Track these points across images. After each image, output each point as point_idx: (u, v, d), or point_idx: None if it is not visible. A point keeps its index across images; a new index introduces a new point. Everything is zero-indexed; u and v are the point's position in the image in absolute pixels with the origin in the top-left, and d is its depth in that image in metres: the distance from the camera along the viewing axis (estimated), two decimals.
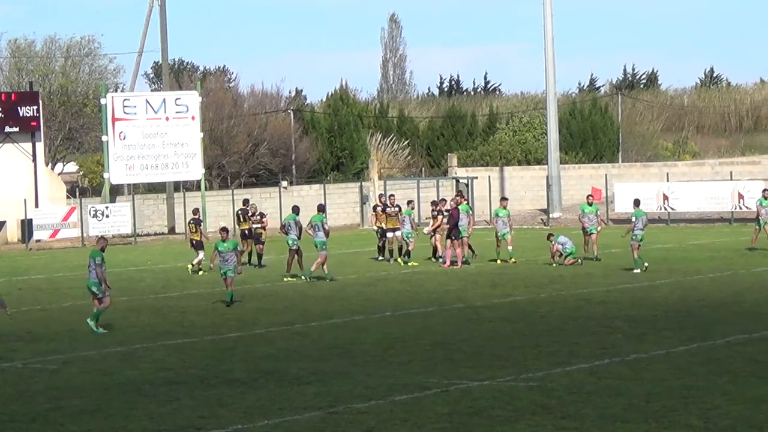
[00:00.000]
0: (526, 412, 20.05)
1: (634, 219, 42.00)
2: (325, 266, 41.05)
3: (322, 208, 43.62)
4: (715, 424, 18.80)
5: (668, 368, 23.51)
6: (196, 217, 46.94)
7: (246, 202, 49.27)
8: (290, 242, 42.04)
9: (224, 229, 36.41)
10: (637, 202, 43.92)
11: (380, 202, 48.63)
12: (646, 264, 40.75)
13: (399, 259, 46.02)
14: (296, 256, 41.90)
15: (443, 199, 51.28)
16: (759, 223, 48.52)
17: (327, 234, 41.42)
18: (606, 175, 69.38)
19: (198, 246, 45.09)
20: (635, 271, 40.48)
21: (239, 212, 48.25)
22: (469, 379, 22.90)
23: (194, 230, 45.71)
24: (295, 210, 43.21)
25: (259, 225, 47.15)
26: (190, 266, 44.44)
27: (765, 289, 35.72)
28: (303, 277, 40.96)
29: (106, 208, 63.16)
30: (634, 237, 41.18)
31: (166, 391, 22.69)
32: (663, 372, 23.14)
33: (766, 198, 49.09)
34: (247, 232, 47.05)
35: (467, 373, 23.44)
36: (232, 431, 19.35)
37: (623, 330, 28.53)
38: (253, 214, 47.30)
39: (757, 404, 20.10)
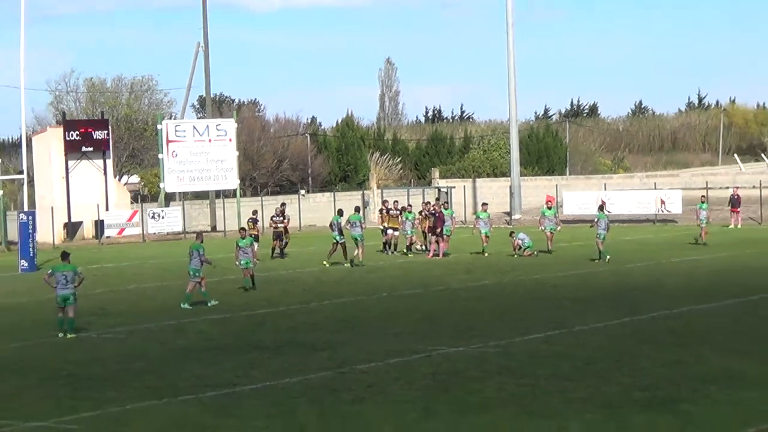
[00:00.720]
0: (494, 372, 20.13)
1: (596, 220, 41.34)
2: (361, 255, 41.44)
3: (358, 209, 43.70)
4: (642, 381, 18.90)
5: (605, 338, 23.58)
6: (254, 216, 46.79)
7: (283, 205, 49.32)
8: (336, 237, 42.27)
9: (243, 229, 36.32)
10: (601, 207, 42.96)
11: (384, 206, 48.37)
12: (608, 257, 40.12)
13: (408, 254, 45.59)
14: (341, 248, 42.03)
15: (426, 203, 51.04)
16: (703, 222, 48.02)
17: (362, 229, 41.81)
18: (557, 185, 69.27)
19: (255, 239, 45.07)
20: (595, 260, 40.07)
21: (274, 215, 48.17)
22: (448, 346, 22.95)
23: (252, 227, 45.61)
24: (339, 212, 43.57)
25: (282, 224, 47.06)
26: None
27: (681, 276, 35.71)
28: (355, 265, 41.00)
29: (162, 211, 63.16)
30: (598, 235, 40.62)
31: (210, 356, 22.77)
32: (601, 341, 23.21)
33: (703, 203, 48.84)
34: (281, 238, 46.89)
35: (447, 342, 23.48)
36: (261, 387, 19.43)
37: (570, 307, 28.58)
38: (278, 215, 47.22)
39: (675, 366, 20.19)
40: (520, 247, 43.97)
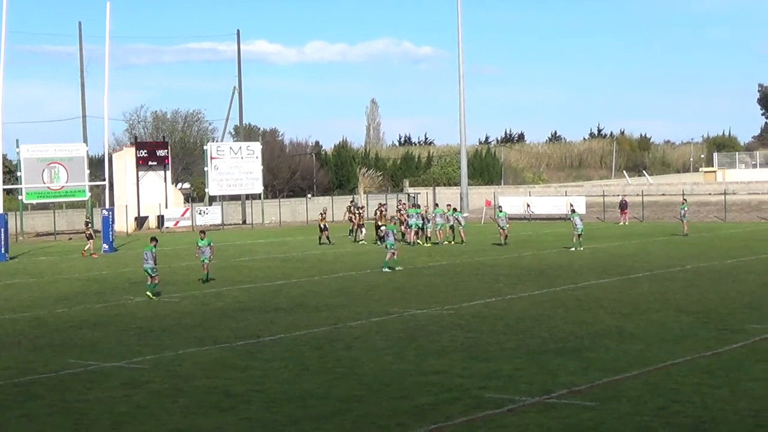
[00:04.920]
0: (448, 327, 20.10)
1: (572, 219, 39.15)
2: (414, 236, 42.69)
3: (414, 206, 44.65)
4: (556, 335, 18.89)
5: (529, 304, 23.57)
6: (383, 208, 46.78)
7: (352, 202, 49.99)
8: (412, 225, 42.94)
9: (202, 231, 32.08)
10: (573, 210, 40.98)
11: (378, 209, 47.40)
12: (581, 248, 38.36)
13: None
14: (419, 232, 42.80)
15: (404, 203, 50.82)
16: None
17: (419, 219, 43.03)
18: (494, 192, 69.33)
19: (324, 229, 44.78)
20: (571, 249, 38.35)
21: (348, 208, 48.53)
22: (415, 309, 22.92)
23: (322, 218, 45.74)
24: (416, 207, 44.85)
25: (358, 215, 46.98)
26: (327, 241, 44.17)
27: (584, 259, 35.52)
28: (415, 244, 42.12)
29: (206, 208, 62.95)
30: (576, 229, 38.55)
31: (240, 315, 22.67)
32: (526, 306, 23.21)
33: (684, 204, 47.32)
34: (352, 218, 46.71)
35: (414, 305, 23.45)
36: (278, 338, 19.35)
37: (504, 281, 28.57)
38: (351, 212, 47.37)
39: (579, 324, 20.19)
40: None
